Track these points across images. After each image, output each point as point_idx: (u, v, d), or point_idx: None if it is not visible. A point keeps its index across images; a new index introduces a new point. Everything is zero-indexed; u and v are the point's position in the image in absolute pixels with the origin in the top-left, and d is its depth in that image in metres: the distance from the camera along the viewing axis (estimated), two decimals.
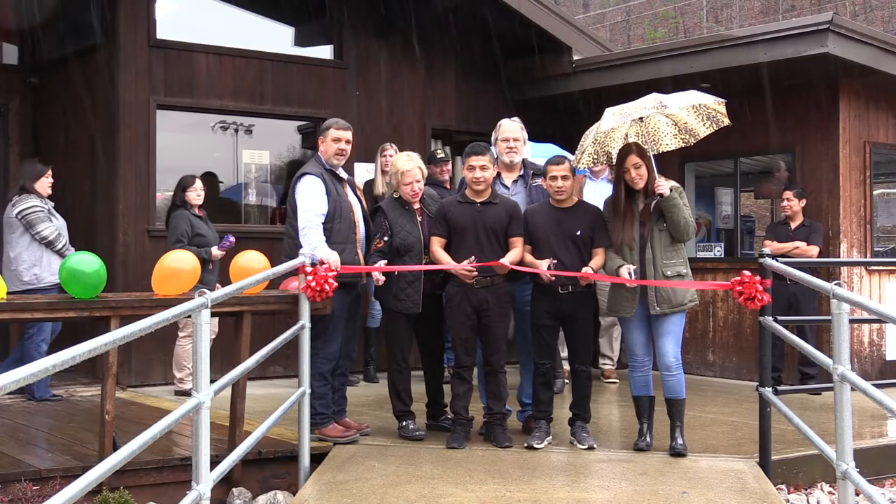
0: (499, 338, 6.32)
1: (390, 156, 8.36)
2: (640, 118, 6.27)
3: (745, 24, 28.56)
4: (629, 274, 6.00)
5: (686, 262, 6.24)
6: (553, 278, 6.08)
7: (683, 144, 6.31)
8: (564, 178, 6.24)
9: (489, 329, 6.28)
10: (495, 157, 6.53)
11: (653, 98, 6.38)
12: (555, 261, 6.10)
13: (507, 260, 6.14)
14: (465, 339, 6.28)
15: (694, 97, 6.42)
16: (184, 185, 8.12)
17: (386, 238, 6.35)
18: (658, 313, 6.09)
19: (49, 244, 7.74)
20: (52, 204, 8.01)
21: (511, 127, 6.79)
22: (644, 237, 6.14)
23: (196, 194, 8.12)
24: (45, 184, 7.93)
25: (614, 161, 6.31)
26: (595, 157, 6.46)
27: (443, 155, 8.45)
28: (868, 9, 29.63)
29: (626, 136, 6.31)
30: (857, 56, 8.62)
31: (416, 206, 6.48)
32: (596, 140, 6.43)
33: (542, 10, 10.09)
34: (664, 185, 6.07)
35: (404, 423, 6.47)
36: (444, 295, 6.37)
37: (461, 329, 6.27)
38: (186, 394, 7.95)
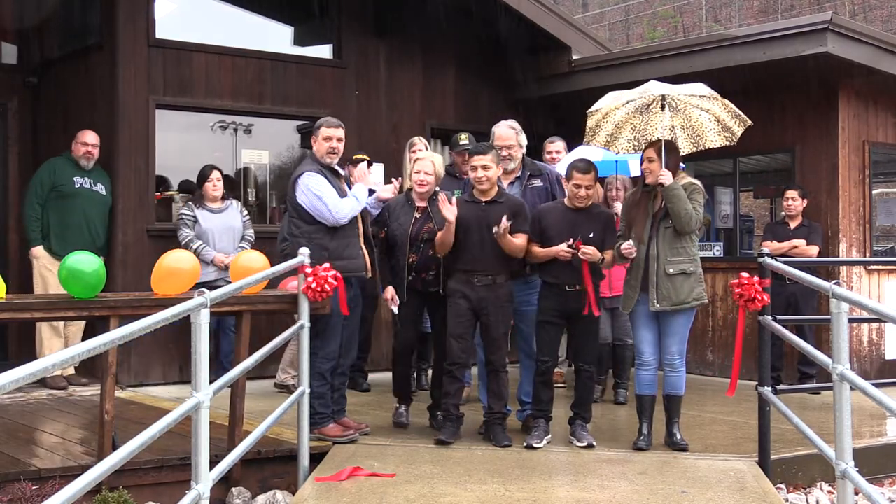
0: (499, 336, 6.33)
1: (419, 150, 7.92)
2: (663, 97, 6.15)
3: (744, 24, 28.54)
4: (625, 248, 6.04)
5: (695, 260, 6.15)
6: (576, 251, 6.03)
7: (727, 143, 6.26)
8: (588, 187, 6.22)
9: (489, 328, 6.28)
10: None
11: (654, 84, 6.23)
12: (570, 240, 6.09)
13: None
14: (462, 337, 6.28)
15: (699, 88, 6.30)
16: None
17: (386, 228, 6.58)
18: (658, 310, 6.08)
19: (185, 248, 8.15)
20: (220, 205, 8.49)
21: (505, 134, 6.69)
22: (650, 233, 6.11)
23: None
24: (208, 187, 8.46)
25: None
26: (635, 143, 6.40)
27: (465, 141, 7.75)
28: (867, 8, 29.59)
29: (673, 128, 6.25)
30: (857, 55, 8.62)
31: (421, 203, 6.56)
32: (636, 126, 6.35)
33: (541, 9, 10.09)
34: (666, 175, 6.02)
35: (397, 408, 6.77)
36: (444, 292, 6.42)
37: (458, 326, 6.27)
38: (287, 388, 8.24)
